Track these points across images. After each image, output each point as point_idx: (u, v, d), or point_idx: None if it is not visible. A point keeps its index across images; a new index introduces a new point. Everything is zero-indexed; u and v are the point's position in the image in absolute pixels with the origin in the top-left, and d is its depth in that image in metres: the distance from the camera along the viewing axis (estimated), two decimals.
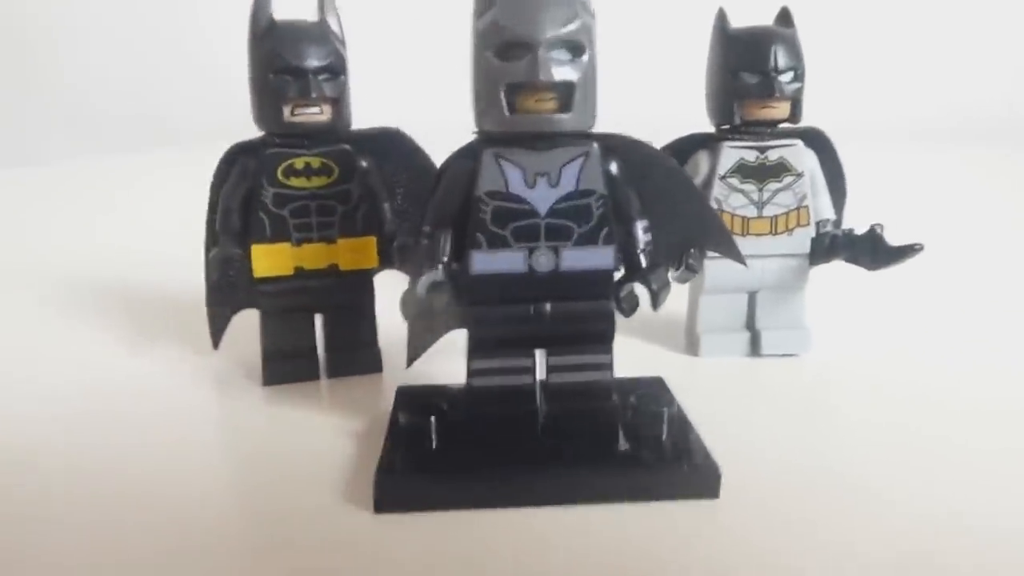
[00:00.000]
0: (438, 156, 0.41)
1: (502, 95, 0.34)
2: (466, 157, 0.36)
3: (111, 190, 1.30)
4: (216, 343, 0.51)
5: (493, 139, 0.35)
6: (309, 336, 0.50)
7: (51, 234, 0.98)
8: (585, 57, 0.34)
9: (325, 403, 0.48)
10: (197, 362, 0.53)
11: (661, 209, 0.39)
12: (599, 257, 0.37)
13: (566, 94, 0.34)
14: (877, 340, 0.56)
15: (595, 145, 0.36)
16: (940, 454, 0.40)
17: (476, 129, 0.36)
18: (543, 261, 0.36)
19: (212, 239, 0.48)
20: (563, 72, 0.33)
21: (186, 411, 0.47)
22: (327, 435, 0.43)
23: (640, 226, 0.38)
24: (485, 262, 0.36)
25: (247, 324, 0.50)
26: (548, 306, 0.37)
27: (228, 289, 0.50)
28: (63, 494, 0.37)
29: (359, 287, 0.50)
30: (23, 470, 0.40)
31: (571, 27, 0.33)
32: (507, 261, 0.36)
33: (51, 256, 0.85)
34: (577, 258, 0.36)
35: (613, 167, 0.37)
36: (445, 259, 0.37)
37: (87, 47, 1.85)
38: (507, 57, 0.33)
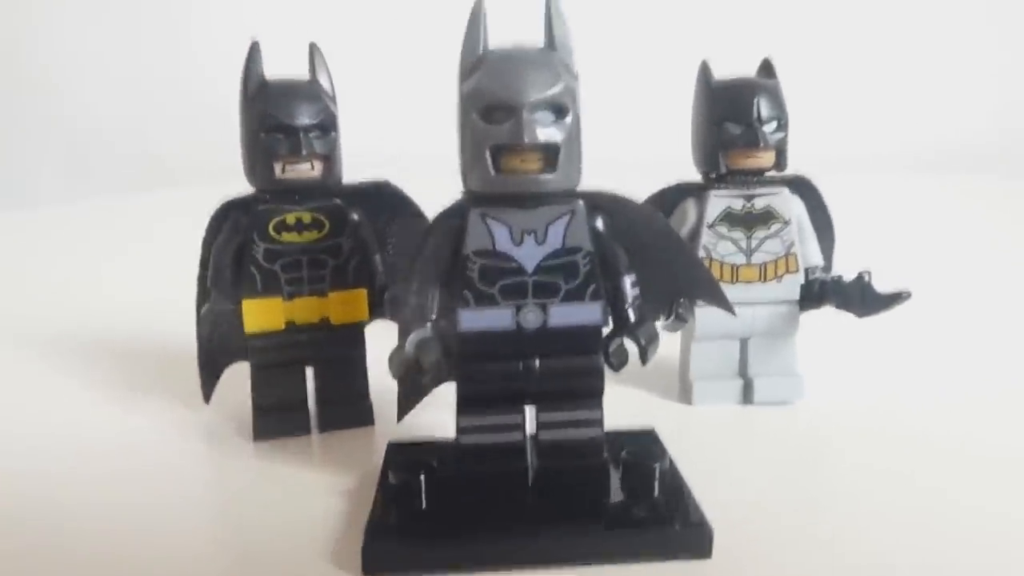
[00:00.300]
0: (425, 203, 0.41)
1: (487, 156, 0.34)
2: (453, 216, 0.37)
3: (103, 234, 1.30)
4: (207, 398, 0.51)
5: (480, 198, 0.36)
6: (300, 390, 0.50)
7: (40, 281, 0.98)
8: (569, 118, 0.35)
9: (316, 458, 0.47)
10: (188, 416, 0.53)
11: (648, 262, 0.39)
12: (587, 313, 0.37)
13: (551, 155, 0.34)
14: (870, 386, 0.56)
15: (580, 203, 0.36)
16: (938, 504, 0.40)
17: (464, 188, 0.36)
18: (531, 318, 0.36)
19: (203, 295, 0.48)
20: (547, 133, 0.34)
21: (175, 466, 0.46)
22: (317, 492, 0.42)
23: (628, 281, 0.38)
24: (473, 319, 0.36)
25: (238, 378, 0.50)
26: (537, 362, 0.37)
27: (220, 344, 0.50)
28: (51, 547, 0.37)
29: (350, 340, 0.50)
30: (8, 524, 0.39)
31: (554, 90, 0.34)
32: (495, 318, 0.36)
33: (40, 304, 0.84)
34: (565, 314, 0.36)
35: (599, 223, 0.37)
36: (433, 316, 0.37)
37: (83, 87, 1.87)
38: (491, 120, 0.34)
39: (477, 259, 0.36)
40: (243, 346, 0.49)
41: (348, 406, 0.50)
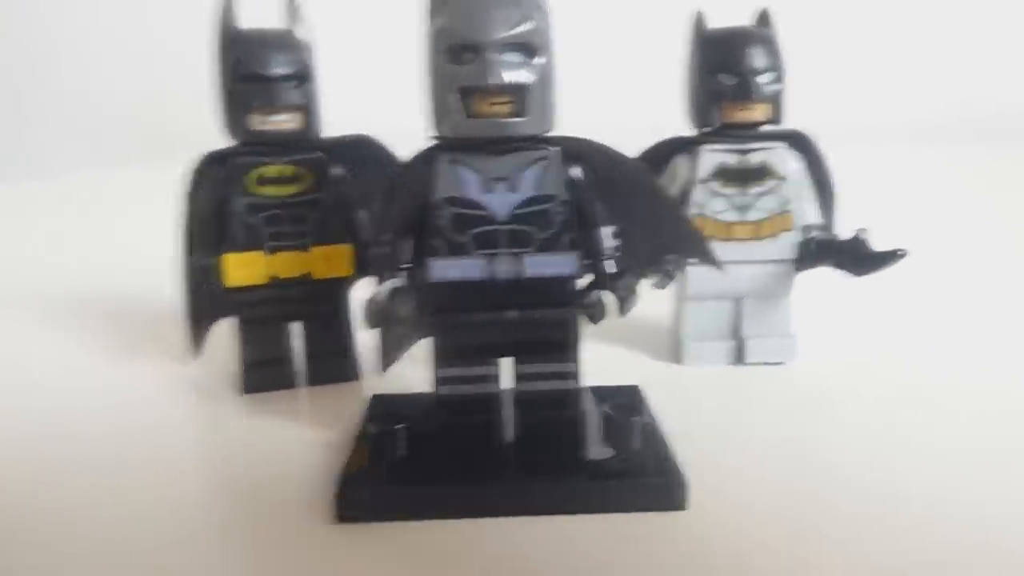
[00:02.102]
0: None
1: (456, 99, 0.33)
2: (422, 162, 0.36)
3: (96, 200, 1.32)
4: (195, 352, 0.51)
5: (449, 144, 0.35)
6: (286, 345, 0.50)
7: (38, 248, 0.99)
8: (540, 59, 0.33)
9: (302, 411, 0.48)
10: (177, 371, 0.53)
11: (631, 216, 0.38)
12: (561, 263, 0.36)
13: (520, 97, 0.33)
14: (864, 348, 0.55)
15: (555, 150, 0.35)
16: (927, 463, 0.39)
17: (433, 134, 0.36)
18: (504, 268, 0.36)
19: (187, 249, 0.48)
20: (515, 75, 0.33)
21: (165, 419, 0.47)
22: (302, 443, 0.43)
23: (605, 232, 0.37)
24: (444, 269, 0.36)
25: (227, 333, 0.50)
26: (512, 314, 0.37)
27: (205, 299, 0.50)
28: (44, 495, 0.38)
29: (334, 295, 0.50)
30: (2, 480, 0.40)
31: (522, 28, 0.33)
32: (467, 268, 0.35)
33: (37, 269, 0.86)
34: (539, 264, 0.36)
35: (576, 172, 0.36)
36: (406, 265, 0.36)
37: (92, 58, 1.87)
38: (458, 60, 0.33)
39: (447, 207, 0.35)
40: (230, 302, 0.49)
41: (334, 361, 0.50)
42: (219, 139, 0.47)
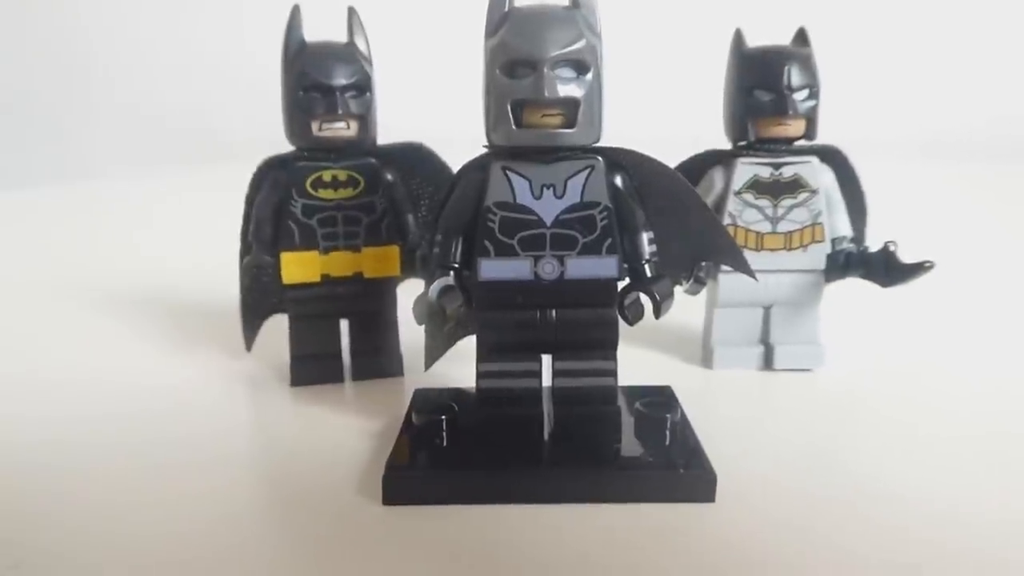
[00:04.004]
0: (457, 167, 0.43)
1: (509, 110, 0.35)
2: (476, 169, 0.38)
3: (162, 203, 1.36)
4: (249, 346, 0.54)
5: (502, 152, 0.37)
6: (335, 340, 0.53)
7: (101, 245, 1.04)
8: (589, 75, 0.36)
9: (348, 404, 0.50)
10: (231, 364, 0.56)
11: (668, 222, 0.40)
12: (603, 266, 0.38)
13: (571, 110, 0.36)
14: (892, 357, 0.56)
15: (600, 159, 0.38)
16: (951, 474, 0.40)
17: (486, 143, 0.38)
18: (548, 269, 0.38)
19: (246, 248, 0.51)
20: (567, 89, 0.35)
21: (219, 408, 0.49)
22: (348, 433, 0.45)
23: (644, 237, 0.39)
24: (492, 269, 0.38)
25: (278, 329, 0.53)
26: (554, 313, 0.39)
27: (260, 295, 0.53)
28: (107, 477, 0.40)
29: (382, 294, 0.52)
30: (65, 466, 0.42)
31: (575, 46, 0.35)
32: (514, 269, 0.38)
33: (99, 266, 0.90)
34: (581, 267, 0.38)
35: (618, 180, 0.38)
36: (456, 266, 0.39)
37: (142, 64, 1.93)
38: (514, 75, 0.35)
39: (498, 211, 0.37)
40: (282, 298, 0.52)
41: (379, 357, 0.53)
42: (263, 143, 0.50)
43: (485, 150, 0.39)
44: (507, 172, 0.37)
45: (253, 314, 0.53)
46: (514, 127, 0.36)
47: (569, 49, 0.35)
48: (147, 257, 0.94)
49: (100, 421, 0.47)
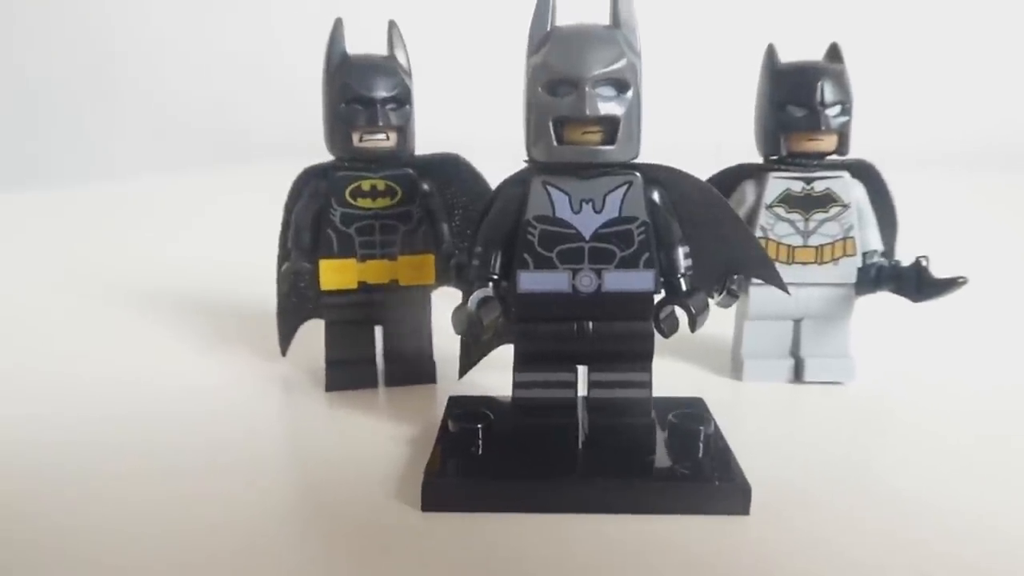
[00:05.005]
0: (493, 178, 0.44)
1: (551, 127, 0.36)
2: (517, 183, 0.39)
3: (193, 204, 1.38)
4: (284, 350, 0.55)
5: (542, 167, 0.38)
6: (369, 346, 0.54)
7: (134, 246, 1.05)
8: (630, 93, 0.36)
9: (382, 409, 0.51)
10: (267, 367, 0.57)
11: (703, 236, 0.41)
12: (640, 280, 0.39)
13: (611, 128, 0.36)
14: (922, 370, 0.56)
15: (638, 175, 0.38)
16: (983, 488, 0.40)
17: (527, 158, 0.39)
18: (586, 282, 0.38)
19: (284, 254, 0.52)
20: (608, 107, 0.36)
21: (254, 411, 0.50)
22: (382, 439, 0.45)
23: (681, 252, 0.40)
24: (531, 281, 0.39)
25: (313, 334, 0.54)
26: (591, 325, 0.39)
27: (298, 300, 0.54)
28: (141, 487, 0.41)
29: (417, 301, 0.53)
30: (106, 455, 0.44)
31: (616, 65, 0.36)
32: (552, 281, 0.38)
33: (133, 267, 0.91)
34: (619, 280, 0.39)
35: (656, 195, 0.39)
36: (495, 277, 0.40)
37: (170, 64, 1.96)
38: (556, 92, 0.36)
39: (538, 224, 0.38)
40: (318, 304, 0.53)
41: (413, 364, 0.54)
42: (284, 143, 0.51)
43: (525, 164, 0.39)
44: (547, 187, 0.38)
45: (290, 319, 0.54)
46: (555, 143, 0.37)
47: (610, 68, 0.36)
48: (180, 258, 0.95)
49: (133, 421, 0.48)
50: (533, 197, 0.38)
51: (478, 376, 0.47)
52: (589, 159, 0.37)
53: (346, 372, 0.53)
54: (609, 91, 0.36)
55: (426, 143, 0.52)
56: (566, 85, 0.36)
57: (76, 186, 1.55)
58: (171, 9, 2.01)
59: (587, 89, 0.35)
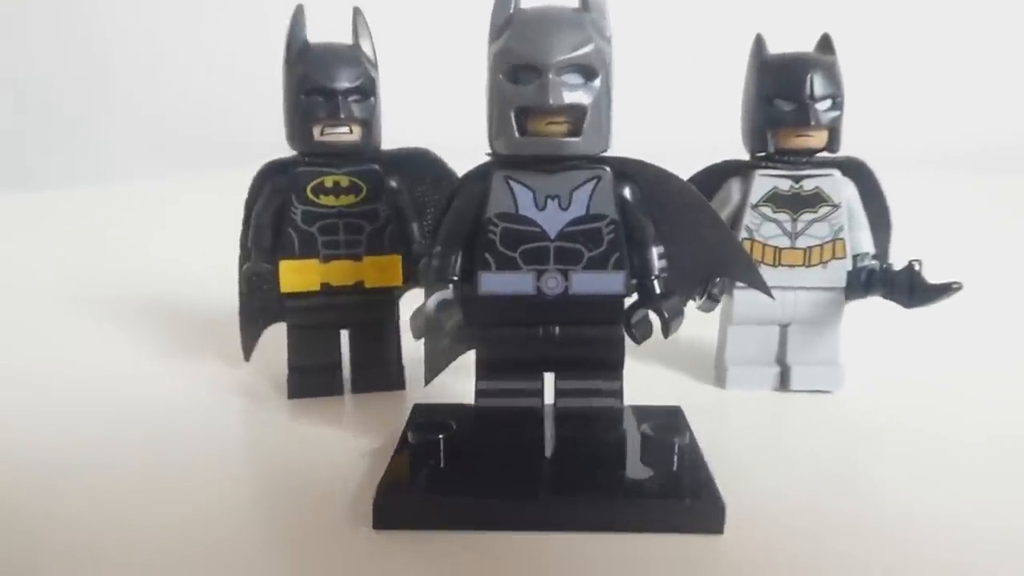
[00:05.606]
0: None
1: (512, 118, 0.34)
2: (478, 178, 0.37)
3: (173, 206, 1.36)
4: (248, 355, 0.53)
5: (505, 161, 0.36)
6: (334, 351, 0.51)
7: (109, 248, 1.03)
8: (597, 82, 0.34)
9: (346, 418, 0.49)
10: (228, 373, 0.55)
11: (679, 236, 0.38)
12: (609, 282, 0.36)
13: (577, 118, 0.34)
14: (915, 380, 0.54)
15: (608, 169, 0.36)
16: (973, 497, 0.38)
17: (489, 151, 0.36)
18: (552, 284, 0.36)
19: (245, 255, 0.50)
20: (574, 96, 0.33)
21: (212, 419, 0.48)
22: (343, 449, 0.43)
23: (654, 252, 0.37)
24: (493, 283, 0.36)
25: (278, 338, 0.52)
26: (557, 329, 0.37)
27: (259, 303, 0.51)
28: (95, 493, 0.39)
29: (384, 304, 0.51)
30: (54, 472, 0.41)
31: (583, 51, 0.33)
32: (515, 283, 0.36)
33: (106, 269, 0.89)
34: (586, 282, 0.36)
35: (626, 192, 0.37)
36: (455, 278, 0.37)
37: (160, 68, 1.95)
38: (518, 80, 0.34)
39: (499, 222, 0.36)
40: (282, 307, 0.50)
41: (380, 370, 0.51)
42: (275, 148, 0.49)
43: (488, 158, 0.37)
44: (510, 182, 0.36)
45: (252, 322, 0.52)
46: (517, 135, 0.34)
47: (576, 54, 0.33)
48: (156, 260, 0.93)
49: (89, 430, 0.46)
50: (495, 193, 0.36)
51: (450, 382, 0.45)
52: (554, 151, 0.34)
53: (310, 379, 0.50)
54: (575, 78, 0.34)
55: (397, 141, 0.50)
56: (529, 72, 0.33)
57: (61, 188, 1.54)
58: (164, 13, 2.00)
59: (551, 76, 0.33)
